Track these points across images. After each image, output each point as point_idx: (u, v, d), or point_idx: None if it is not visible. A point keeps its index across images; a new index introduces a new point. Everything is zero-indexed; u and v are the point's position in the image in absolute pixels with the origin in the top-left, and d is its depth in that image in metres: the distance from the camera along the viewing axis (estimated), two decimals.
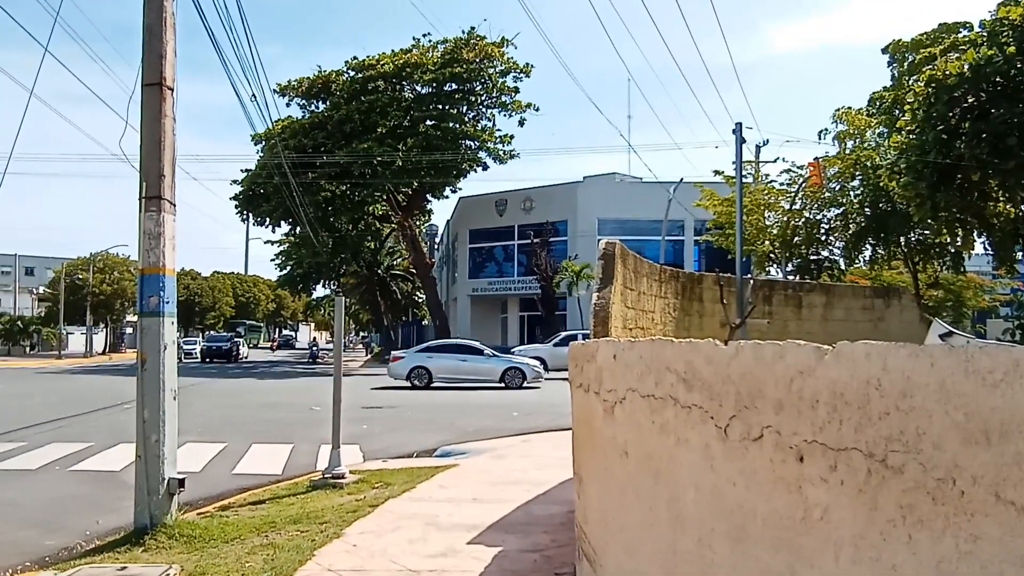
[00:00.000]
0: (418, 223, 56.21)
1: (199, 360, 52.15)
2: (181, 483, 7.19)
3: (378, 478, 9.46)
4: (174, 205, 7.32)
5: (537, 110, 44.22)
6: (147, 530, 6.85)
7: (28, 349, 66.62)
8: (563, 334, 34.65)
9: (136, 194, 7.30)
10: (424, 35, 44.69)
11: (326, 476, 9.24)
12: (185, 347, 53.34)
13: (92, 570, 5.83)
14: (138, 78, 7.25)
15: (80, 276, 63.71)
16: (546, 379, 30.72)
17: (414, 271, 56.82)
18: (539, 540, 6.40)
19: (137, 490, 7.08)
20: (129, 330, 77.00)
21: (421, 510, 7.60)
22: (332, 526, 6.93)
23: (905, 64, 29.68)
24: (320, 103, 45.49)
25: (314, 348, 58.27)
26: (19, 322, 67.60)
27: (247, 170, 47.50)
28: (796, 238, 32.10)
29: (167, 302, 7.20)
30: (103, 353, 65.56)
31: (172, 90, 7.29)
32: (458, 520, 7.15)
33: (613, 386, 3.77)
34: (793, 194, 31.50)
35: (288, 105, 45.63)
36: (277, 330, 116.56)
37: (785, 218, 32.07)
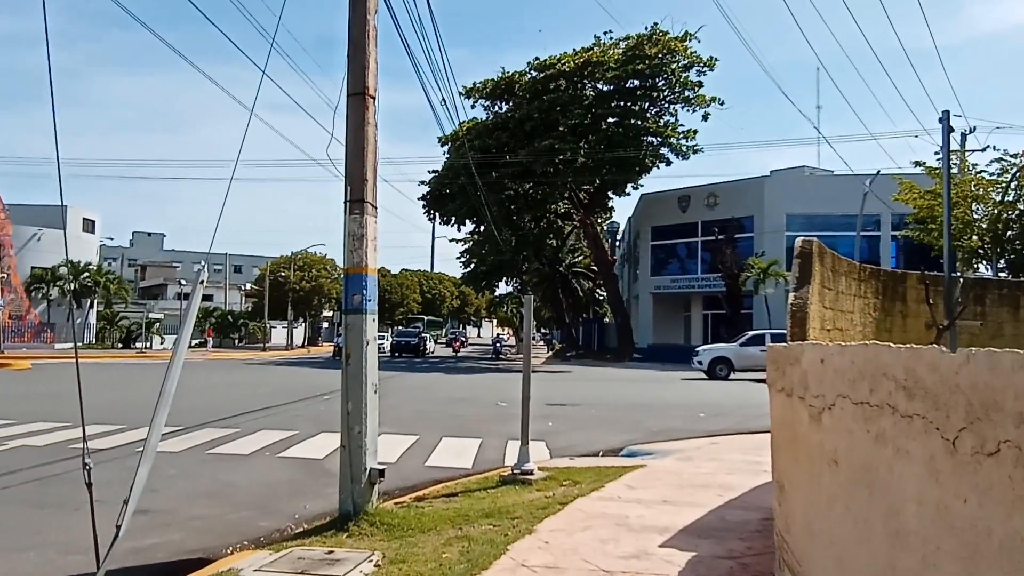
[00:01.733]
0: (599, 220, 56.26)
1: (389, 355, 53.95)
2: (381, 473, 7.47)
3: (566, 476, 9.50)
4: (375, 208, 7.64)
5: (722, 104, 43.14)
6: (350, 517, 7.14)
7: (236, 341, 71.88)
8: (750, 333, 33.69)
9: (338, 197, 7.68)
10: (605, 32, 44.87)
11: (515, 472, 9.36)
12: None
13: (303, 552, 6.17)
14: (342, 88, 7.61)
15: (282, 274, 68.00)
16: (732, 379, 30.19)
17: (595, 269, 56.92)
18: (734, 547, 6.25)
19: (341, 478, 7.42)
20: (325, 324, 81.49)
21: (610, 510, 7.59)
22: (523, 522, 7.01)
23: None
24: (503, 104, 46.30)
25: (498, 344, 59.44)
26: (229, 316, 73.13)
27: (434, 171, 49.20)
28: (1009, 232, 29.79)
29: (369, 300, 7.53)
30: (302, 346, 69.77)
31: (374, 99, 7.60)
32: (649, 522, 7.08)
33: (820, 391, 3.62)
34: (1005, 185, 29.26)
35: (473, 107, 46.79)
36: (461, 325, 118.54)
37: (996, 211, 29.83)
